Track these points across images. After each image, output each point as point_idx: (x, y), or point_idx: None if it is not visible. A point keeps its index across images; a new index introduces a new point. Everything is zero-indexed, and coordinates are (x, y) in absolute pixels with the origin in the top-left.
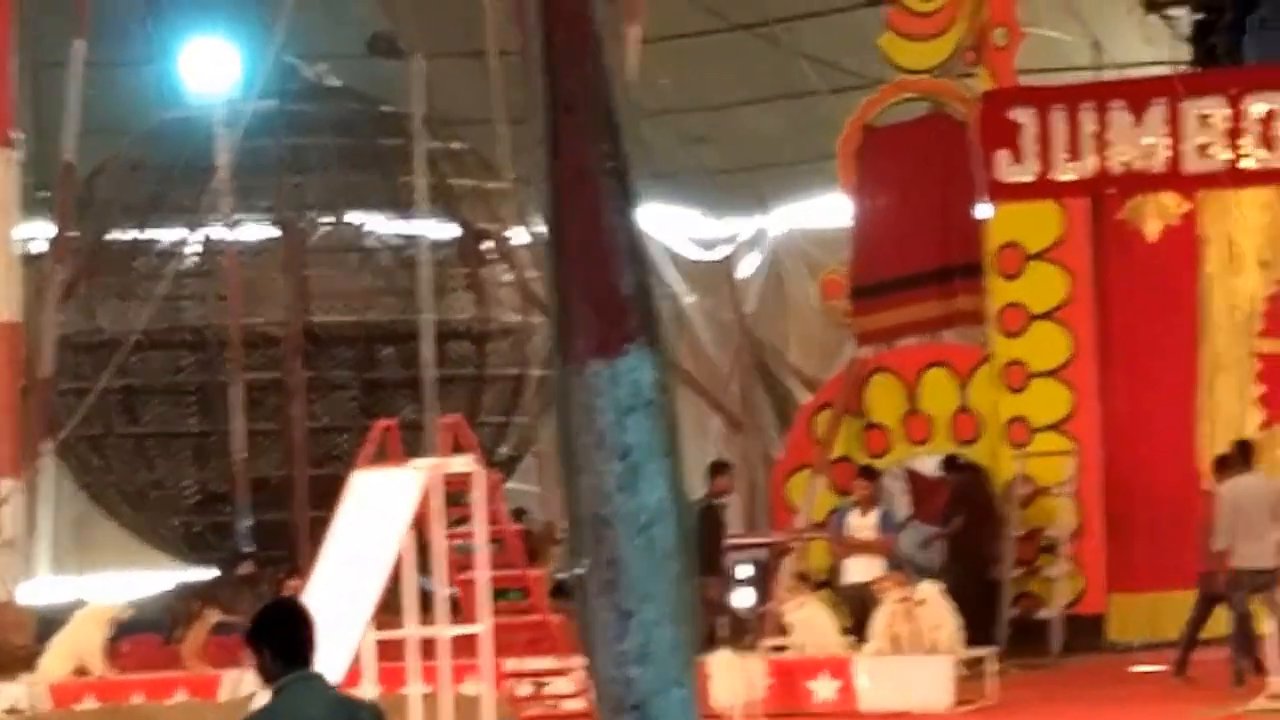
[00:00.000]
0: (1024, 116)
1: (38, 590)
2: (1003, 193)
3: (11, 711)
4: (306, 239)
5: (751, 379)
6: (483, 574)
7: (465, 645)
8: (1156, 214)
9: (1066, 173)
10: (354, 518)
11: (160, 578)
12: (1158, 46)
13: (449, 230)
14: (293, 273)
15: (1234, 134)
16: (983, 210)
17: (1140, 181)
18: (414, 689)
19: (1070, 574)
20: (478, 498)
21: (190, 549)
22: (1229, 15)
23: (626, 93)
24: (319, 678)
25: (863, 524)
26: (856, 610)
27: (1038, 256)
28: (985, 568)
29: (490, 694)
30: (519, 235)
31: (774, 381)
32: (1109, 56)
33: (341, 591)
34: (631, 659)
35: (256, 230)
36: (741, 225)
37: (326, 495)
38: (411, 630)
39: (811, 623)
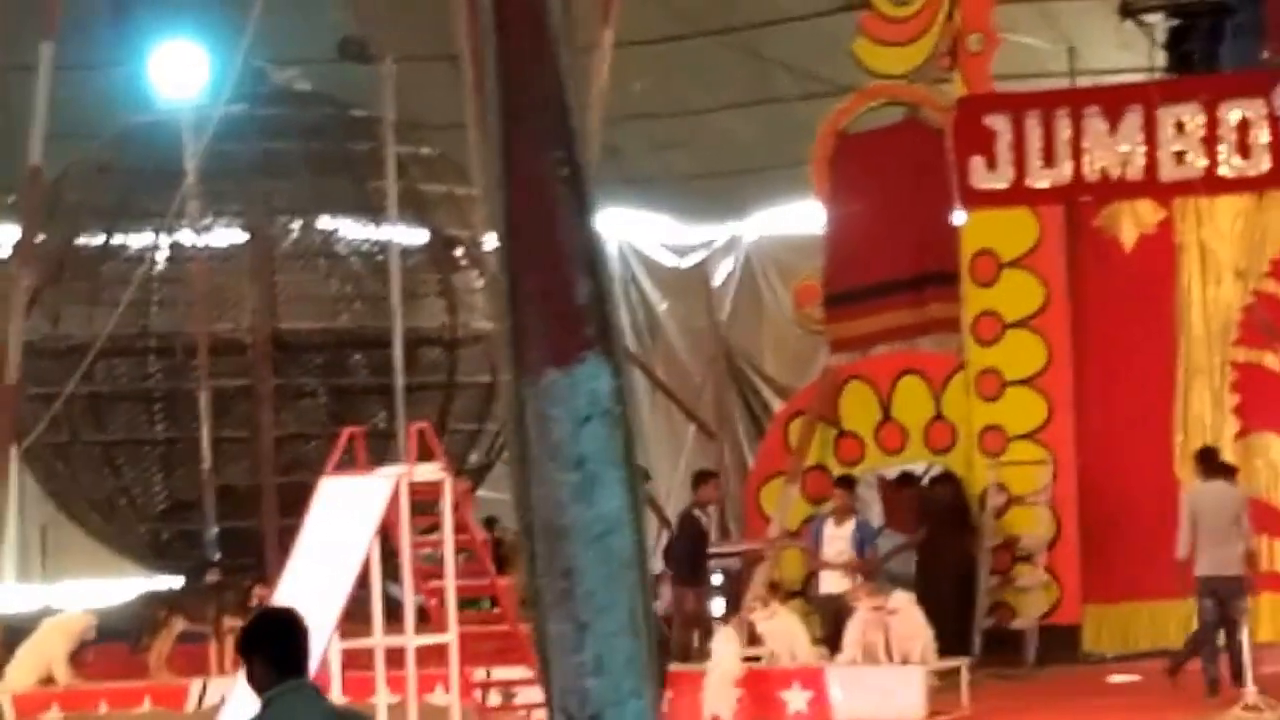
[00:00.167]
0: (999, 123)
1: (3, 598)
2: (977, 199)
3: None
4: (276, 244)
5: (725, 386)
6: (450, 583)
7: (434, 654)
8: (1132, 222)
9: (1041, 180)
10: (321, 525)
11: (127, 585)
12: (1134, 53)
13: (420, 236)
14: (261, 278)
15: (1210, 141)
16: (957, 217)
17: (1115, 189)
18: (381, 699)
19: (1045, 584)
20: (445, 505)
21: (157, 557)
22: (1205, 22)
23: (602, 98)
24: (311, 688)
25: (838, 534)
26: (830, 620)
27: (1012, 264)
28: (951, 579)
29: (458, 704)
30: (491, 241)
31: (748, 389)
32: (1085, 63)
33: (308, 599)
34: (588, 670)
35: (226, 236)
36: (715, 232)
37: (295, 503)
38: (378, 639)
39: (783, 632)
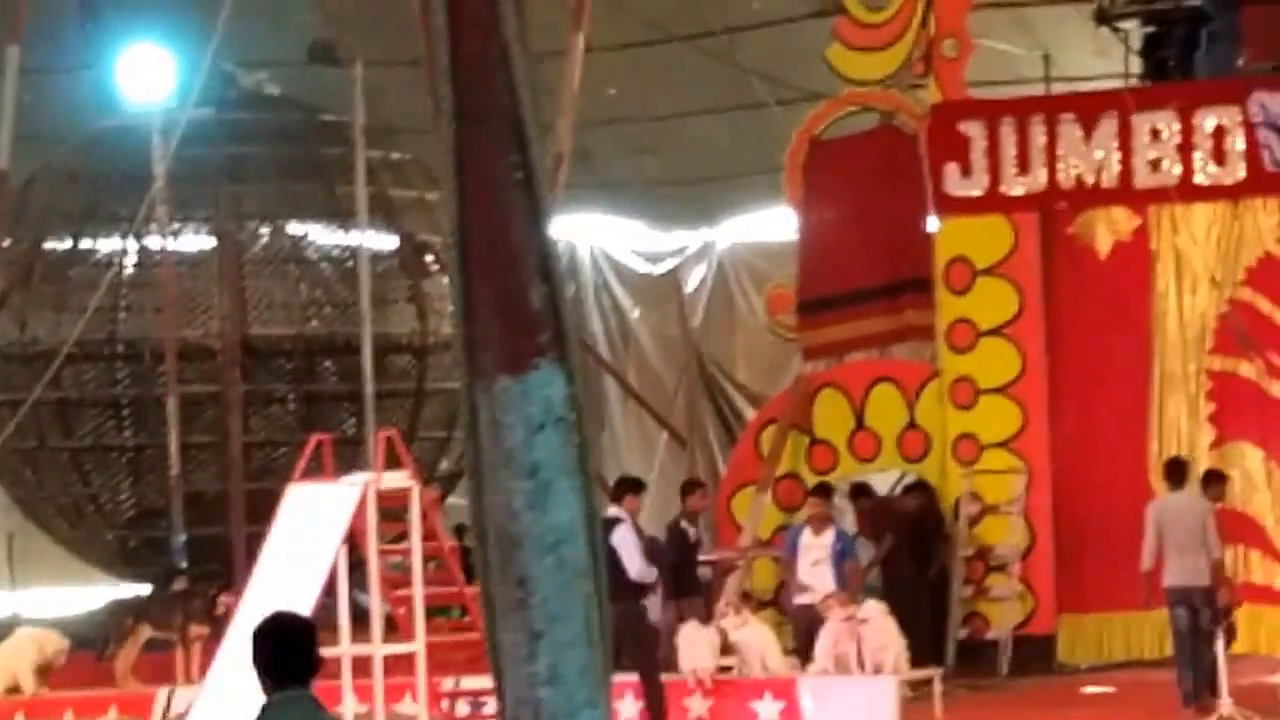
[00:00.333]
0: (973, 129)
1: None
2: (951, 206)
3: None
4: (245, 250)
5: (697, 394)
6: (418, 591)
7: (402, 663)
8: (1107, 229)
9: (1016, 187)
10: (288, 533)
11: (94, 593)
12: (1110, 60)
13: (390, 241)
14: (230, 284)
15: (1185, 148)
16: (932, 224)
17: (1090, 196)
18: (348, 707)
19: (1019, 594)
20: (413, 513)
21: (125, 564)
22: (1181, 29)
23: (575, 103)
24: (310, 698)
25: (816, 543)
26: (802, 630)
27: (987, 271)
28: (925, 589)
29: (425, 713)
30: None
31: (720, 396)
32: (1060, 69)
33: (274, 608)
34: (542, 680)
35: (194, 241)
36: (688, 238)
37: (264, 510)
38: (345, 648)
39: (754, 642)
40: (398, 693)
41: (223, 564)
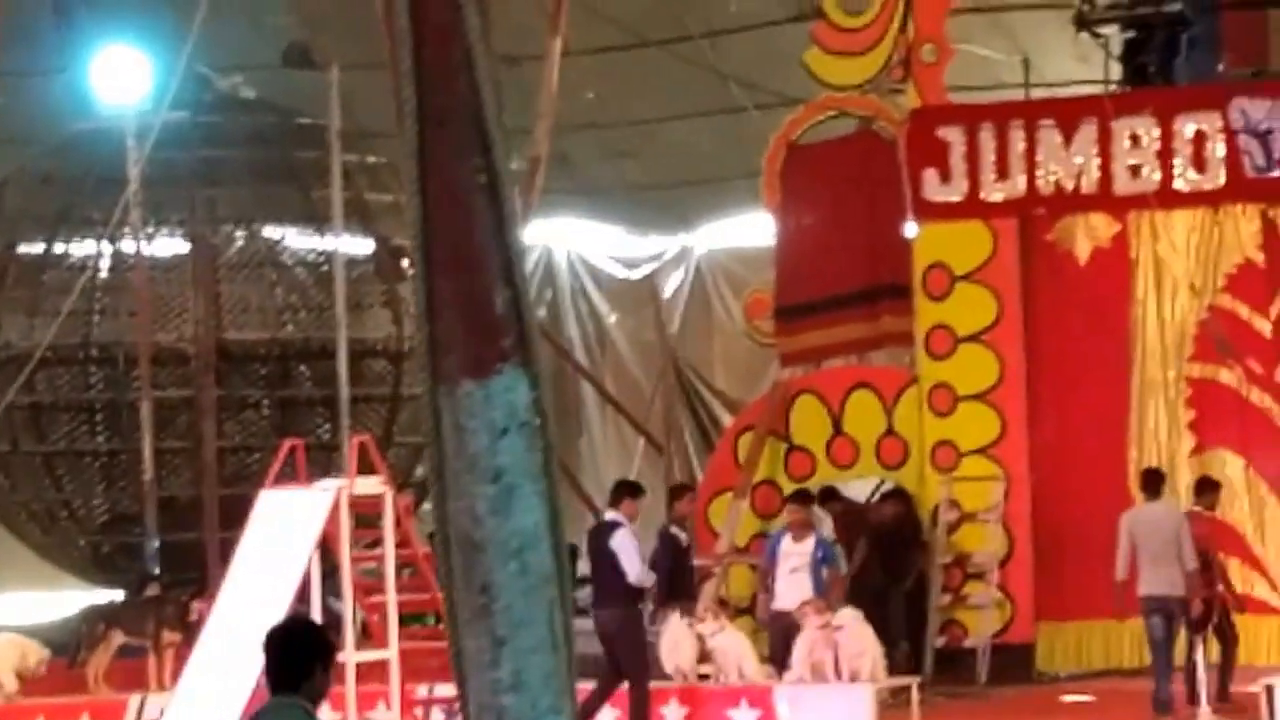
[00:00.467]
0: (952, 135)
1: None
2: (930, 212)
3: None
4: (220, 254)
5: (674, 399)
6: (391, 598)
7: (375, 670)
8: (1086, 235)
9: (995, 192)
10: (260, 539)
11: (67, 599)
12: (1090, 65)
13: (365, 246)
14: (205, 288)
15: (1165, 155)
16: (910, 230)
17: (1070, 202)
18: (321, 714)
19: (997, 602)
20: (387, 519)
21: (98, 570)
22: (1161, 34)
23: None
24: (298, 706)
25: (796, 550)
26: (779, 637)
27: (965, 278)
28: (886, 597)
29: None
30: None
31: (697, 402)
32: (1040, 75)
33: (247, 615)
34: (505, 686)
35: (169, 244)
36: (666, 243)
37: (238, 515)
38: None
39: (731, 649)
40: (371, 700)
41: (196, 570)
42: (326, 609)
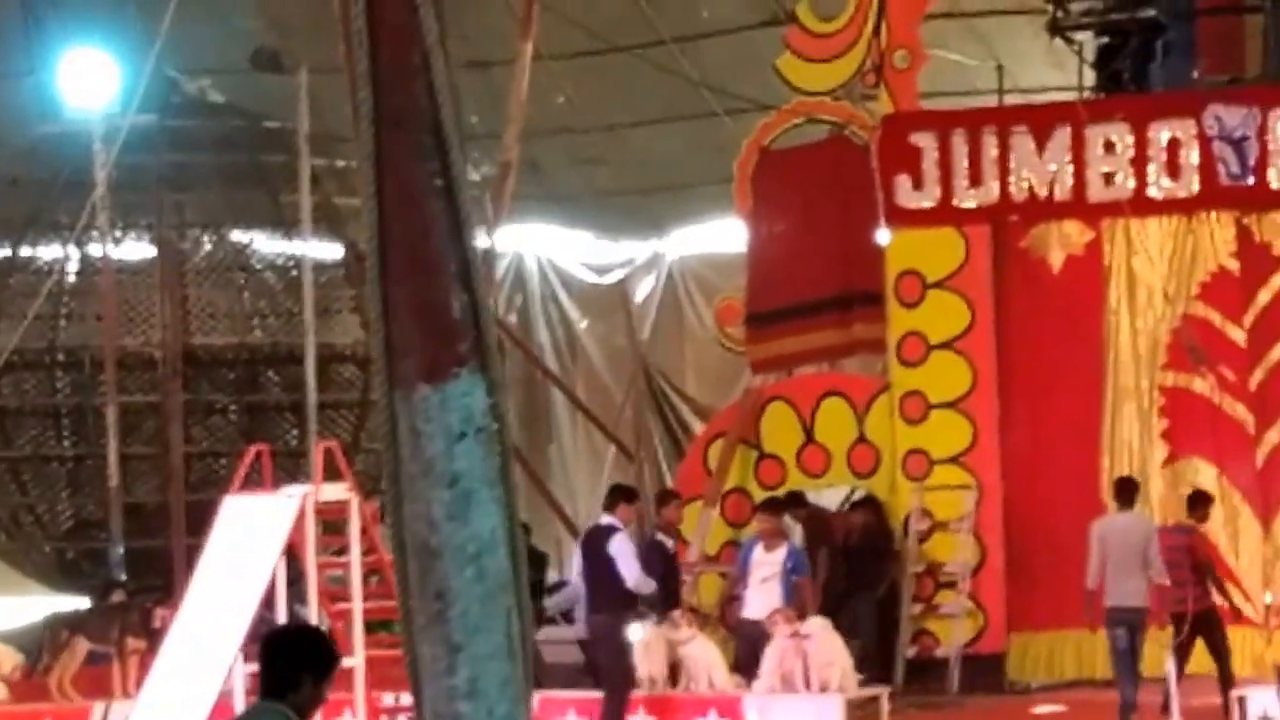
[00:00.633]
0: (925, 141)
1: None
2: (902, 219)
3: None
4: (187, 258)
5: (644, 406)
6: (357, 605)
7: (341, 678)
8: (1059, 243)
9: (968, 199)
10: (225, 545)
11: (31, 605)
12: (1065, 71)
13: (334, 250)
14: (172, 292)
15: (1139, 162)
16: (882, 237)
17: (1043, 209)
18: None
19: (969, 611)
20: (352, 526)
21: (63, 576)
22: (1135, 41)
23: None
24: (280, 713)
25: (768, 560)
26: (747, 645)
27: (938, 285)
28: (854, 605)
29: None
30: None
31: (668, 409)
32: (1014, 81)
33: (211, 622)
34: (461, 694)
35: (136, 248)
36: (637, 249)
37: (205, 521)
38: None
39: (700, 658)
40: (337, 708)
41: (163, 577)
42: (292, 616)
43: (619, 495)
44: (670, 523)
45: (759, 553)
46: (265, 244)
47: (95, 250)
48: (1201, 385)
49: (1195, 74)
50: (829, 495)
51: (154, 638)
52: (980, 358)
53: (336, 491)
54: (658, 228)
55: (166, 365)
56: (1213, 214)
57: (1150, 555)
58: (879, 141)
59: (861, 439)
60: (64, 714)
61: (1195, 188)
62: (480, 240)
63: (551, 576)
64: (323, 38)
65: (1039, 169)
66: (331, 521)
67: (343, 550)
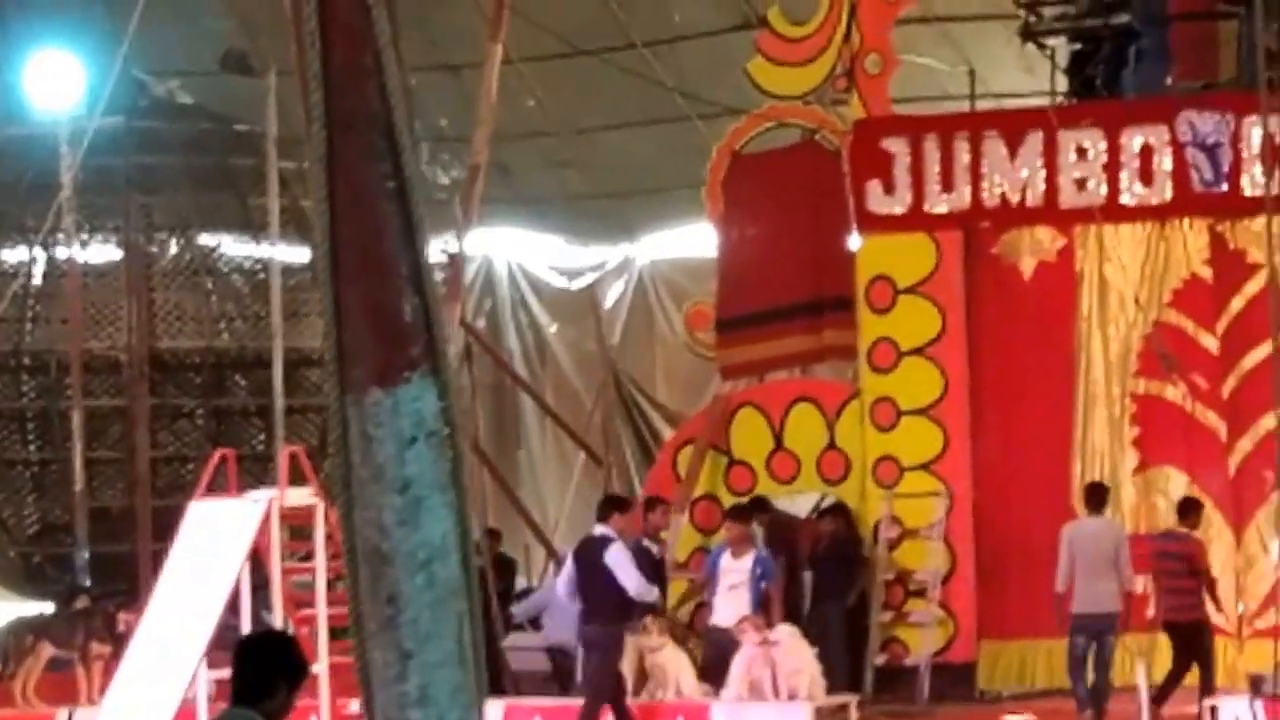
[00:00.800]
0: (896, 146)
1: None
2: (874, 224)
3: None
4: (154, 261)
5: (613, 412)
6: (322, 611)
7: (307, 685)
8: (1031, 249)
9: (939, 205)
10: (190, 550)
11: None
12: (1037, 77)
13: (302, 254)
14: (139, 296)
15: (1112, 168)
16: (854, 242)
17: (1015, 215)
18: None
19: (939, 619)
20: (318, 531)
21: (28, 581)
22: (1108, 46)
23: (492, 114)
24: (251, 719)
25: (736, 567)
26: (715, 652)
27: (909, 290)
28: (843, 613)
29: None
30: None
31: (637, 415)
32: (986, 86)
33: (175, 627)
34: (412, 700)
35: (103, 251)
36: (607, 253)
37: (171, 526)
38: None
39: (670, 665)
40: (302, 715)
41: (128, 582)
42: (258, 621)
43: (612, 505)
44: (656, 529)
45: (726, 560)
46: (233, 247)
47: (61, 253)
48: (1173, 393)
49: (1168, 80)
50: (800, 502)
51: (118, 643)
52: (951, 364)
53: (302, 496)
54: (628, 232)
55: (133, 369)
56: (1186, 221)
57: (1121, 561)
58: (850, 146)
59: (832, 445)
60: None
61: (1168, 194)
62: (450, 244)
63: (520, 583)
64: (291, 40)
65: (1011, 175)
66: (297, 526)
67: (309, 555)
